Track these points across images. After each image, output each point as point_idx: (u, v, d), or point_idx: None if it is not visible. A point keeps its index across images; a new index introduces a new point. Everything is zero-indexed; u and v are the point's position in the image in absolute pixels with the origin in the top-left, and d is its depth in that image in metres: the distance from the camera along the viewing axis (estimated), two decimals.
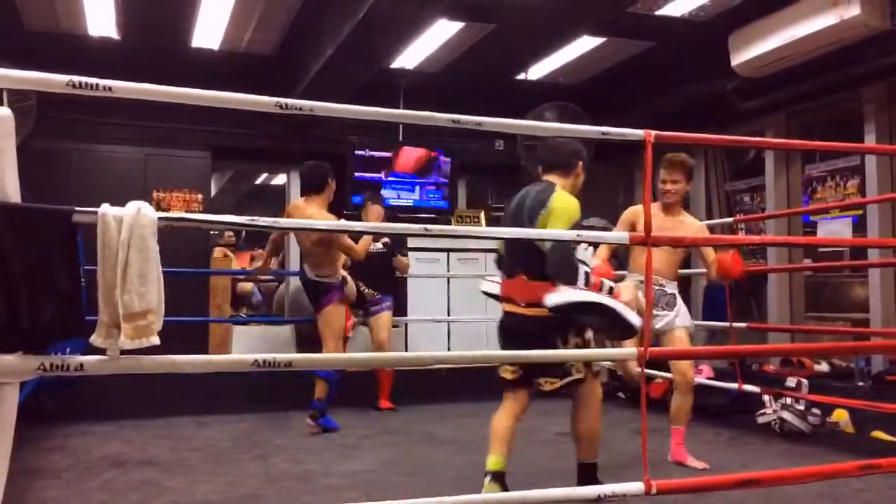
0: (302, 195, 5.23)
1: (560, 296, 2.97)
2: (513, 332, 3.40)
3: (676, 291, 4.29)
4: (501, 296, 3.51)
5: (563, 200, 3.36)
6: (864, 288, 5.90)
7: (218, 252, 7.72)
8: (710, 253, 4.13)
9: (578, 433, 3.42)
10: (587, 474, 3.34)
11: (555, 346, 3.17)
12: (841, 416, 5.03)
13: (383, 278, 6.01)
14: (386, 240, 5.99)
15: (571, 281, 3.04)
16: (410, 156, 7.33)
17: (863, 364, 5.42)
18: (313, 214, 4.88)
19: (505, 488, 3.11)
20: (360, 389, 5.90)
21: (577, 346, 3.22)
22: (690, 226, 4.25)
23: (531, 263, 3.20)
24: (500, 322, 3.53)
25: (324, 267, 5.13)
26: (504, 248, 3.52)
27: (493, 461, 3.23)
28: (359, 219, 6.04)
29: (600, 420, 3.42)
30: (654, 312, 3.99)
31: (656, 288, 4.07)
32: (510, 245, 3.42)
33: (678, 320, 4.20)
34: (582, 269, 3.13)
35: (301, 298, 6.77)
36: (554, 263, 3.12)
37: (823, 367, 5.65)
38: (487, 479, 3.15)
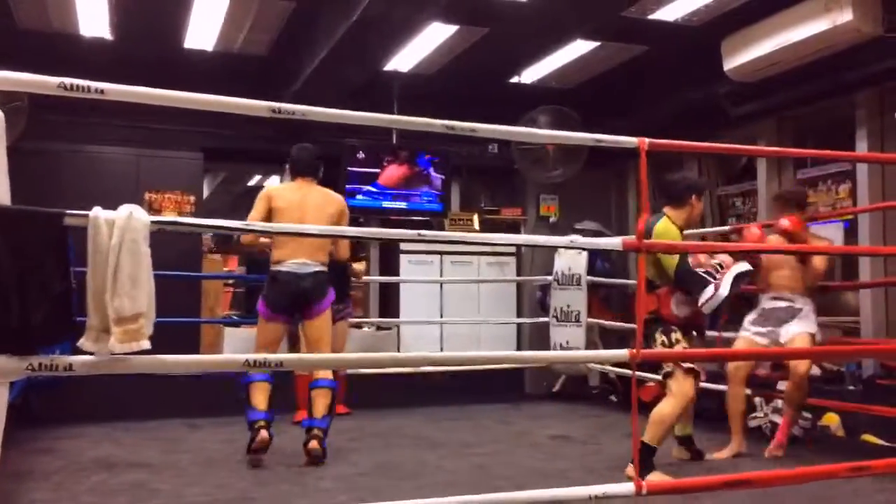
0: (294, 178, 4.59)
1: (707, 300, 3.75)
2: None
3: (807, 305, 4.51)
4: None
5: (663, 228, 3.88)
6: (855, 293, 5.92)
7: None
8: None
9: (651, 415, 3.82)
10: (643, 454, 3.57)
11: (651, 344, 3.83)
12: (832, 420, 5.05)
13: (343, 284, 5.40)
14: None
15: (700, 290, 3.76)
16: (393, 173, 7.27)
17: (854, 368, 5.44)
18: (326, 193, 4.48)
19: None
20: (350, 392, 5.89)
21: (664, 344, 3.82)
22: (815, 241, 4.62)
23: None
24: None
25: (325, 253, 4.38)
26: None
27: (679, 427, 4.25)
28: None
29: (677, 415, 3.86)
30: (785, 325, 4.45)
31: (784, 304, 4.55)
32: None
33: (796, 327, 4.43)
34: (705, 276, 3.78)
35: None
36: (682, 280, 3.81)
37: (815, 370, 5.66)
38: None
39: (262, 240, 4.52)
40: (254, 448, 4.17)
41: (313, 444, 4.19)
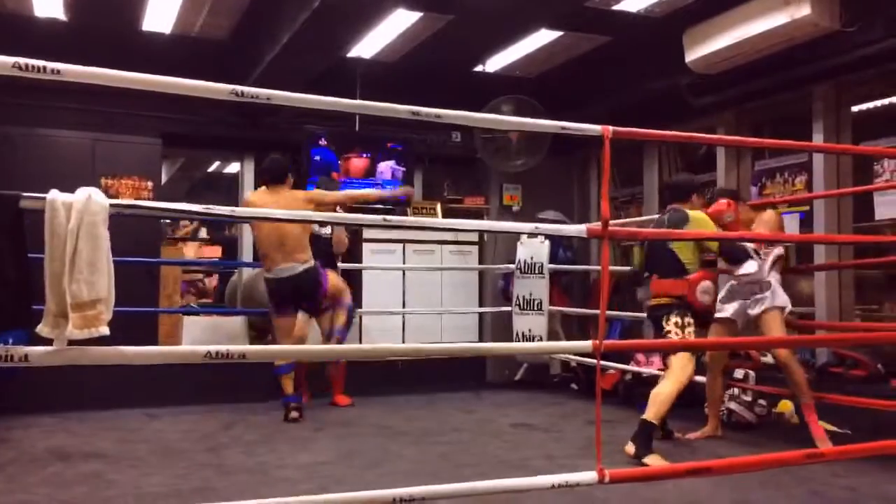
0: (267, 185, 5.33)
1: (749, 272, 4.31)
2: (650, 316, 4.42)
3: (772, 277, 4.62)
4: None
5: (698, 215, 4.27)
6: (809, 282, 6.05)
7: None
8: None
9: (652, 394, 4.10)
10: (644, 432, 3.99)
11: (662, 325, 4.15)
12: (786, 407, 5.16)
13: (331, 265, 5.88)
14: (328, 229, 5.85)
15: (744, 258, 4.26)
16: (356, 161, 7.27)
17: (807, 356, 5.56)
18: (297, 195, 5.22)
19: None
20: (314, 381, 5.86)
21: (676, 325, 4.11)
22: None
23: (660, 267, 4.28)
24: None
25: (304, 251, 5.16)
26: (643, 260, 4.49)
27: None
28: None
29: (676, 393, 4.07)
30: (754, 297, 4.57)
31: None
32: (649, 256, 4.41)
33: (764, 304, 4.54)
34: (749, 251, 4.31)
35: (257, 289, 6.69)
36: (729, 252, 4.30)
37: (770, 358, 5.77)
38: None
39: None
40: (288, 419, 5.13)
41: (294, 413, 5.17)
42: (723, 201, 4.45)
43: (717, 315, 4.57)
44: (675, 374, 4.07)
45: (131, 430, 4.93)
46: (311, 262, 5.17)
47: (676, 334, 4.11)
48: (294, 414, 5.12)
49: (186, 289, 8.28)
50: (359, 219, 2.75)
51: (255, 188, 7.55)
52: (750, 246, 4.31)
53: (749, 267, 4.23)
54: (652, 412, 3.99)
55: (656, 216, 5.20)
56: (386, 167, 7.36)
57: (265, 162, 5.37)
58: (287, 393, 5.18)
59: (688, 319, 4.13)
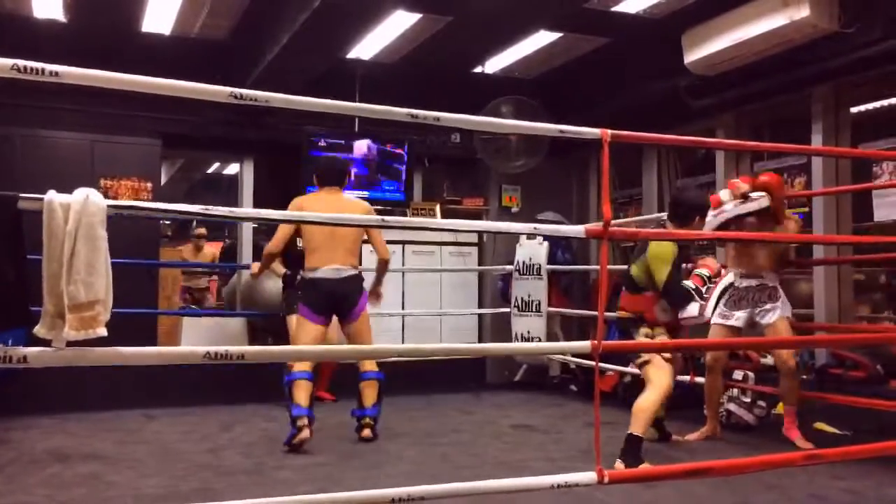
0: (322, 188, 4.78)
1: (690, 317, 4.08)
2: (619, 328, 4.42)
3: (776, 282, 4.59)
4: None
5: (658, 247, 4.06)
6: (809, 284, 6.05)
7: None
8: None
9: (634, 407, 3.97)
10: (632, 445, 3.85)
11: (632, 336, 4.14)
12: None
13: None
14: None
15: (685, 302, 4.04)
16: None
17: (807, 357, 5.56)
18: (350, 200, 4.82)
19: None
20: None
21: (647, 336, 4.11)
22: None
23: (628, 284, 4.25)
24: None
25: (355, 256, 4.65)
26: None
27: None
28: None
29: (659, 402, 4.04)
30: (763, 307, 4.53)
31: (756, 283, 4.59)
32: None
33: (775, 313, 4.50)
34: (692, 293, 4.07)
35: (256, 290, 6.68)
36: (669, 293, 4.06)
37: (769, 359, 5.77)
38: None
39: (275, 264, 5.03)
40: (294, 443, 4.33)
41: (366, 432, 4.61)
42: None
43: (724, 322, 4.59)
44: (654, 384, 4.00)
45: (130, 431, 4.92)
46: (359, 272, 4.67)
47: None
48: (305, 434, 4.33)
49: (182, 295, 8.30)
50: (357, 219, 2.75)
51: (256, 188, 7.58)
52: (690, 284, 4.07)
53: (692, 310, 4.04)
54: (637, 426, 3.89)
55: (655, 216, 5.23)
56: (362, 144, 7.29)
57: (321, 161, 4.95)
58: (299, 403, 4.40)
59: (658, 330, 4.12)
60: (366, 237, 4.76)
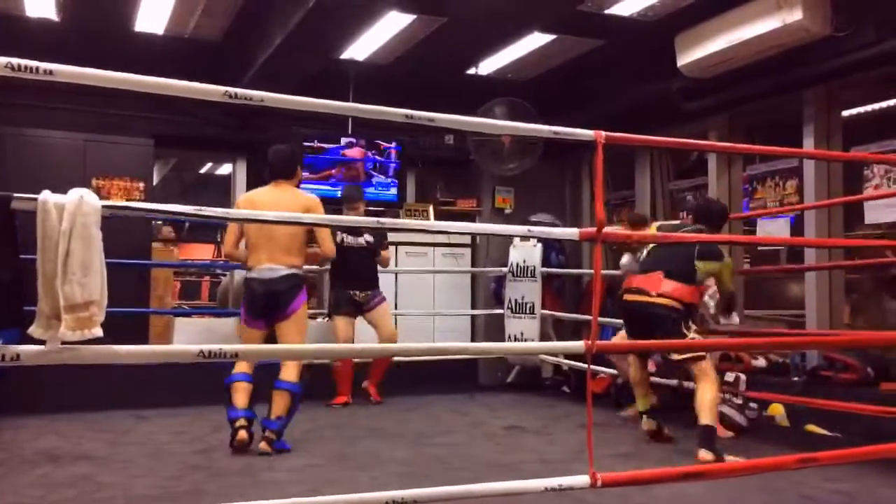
0: (271, 181, 4.52)
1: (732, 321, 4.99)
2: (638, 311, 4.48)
3: None
4: (631, 285, 4.53)
5: (729, 259, 4.57)
6: (800, 286, 6.08)
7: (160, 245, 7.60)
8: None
9: (698, 403, 4.17)
10: (709, 434, 4.09)
11: (679, 328, 4.22)
12: (777, 411, 5.17)
13: (369, 274, 5.99)
14: (369, 237, 5.92)
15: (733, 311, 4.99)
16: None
17: (798, 359, 5.58)
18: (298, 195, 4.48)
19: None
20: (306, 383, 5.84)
21: (697, 335, 4.38)
22: None
23: (681, 274, 4.36)
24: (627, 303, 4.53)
25: (297, 256, 4.39)
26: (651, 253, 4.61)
27: (641, 403, 4.67)
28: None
29: (717, 393, 4.32)
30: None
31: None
32: (661, 253, 4.52)
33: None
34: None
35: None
36: (729, 300, 4.88)
37: (761, 362, 5.80)
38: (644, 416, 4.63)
39: (240, 251, 4.51)
40: (234, 446, 4.23)
41: (262, 444, 4.21)
42: None
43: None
44: (710, 377, 4.24)
45: (121, 431, 4.90)
46: (300, 270, 4.42)
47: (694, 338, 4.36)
48: (242, 435, 4.19)
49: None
50: (350, 221, 2.74)
51: (248, 188, 7.56)
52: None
53: (735, 318, 4.98)
54: (706, 417, 4.10)
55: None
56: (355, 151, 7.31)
57: (269, 153, 4.58)
58: (235, 405, 4.27)
59: (695, 327, 4.43)
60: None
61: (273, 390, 4.27)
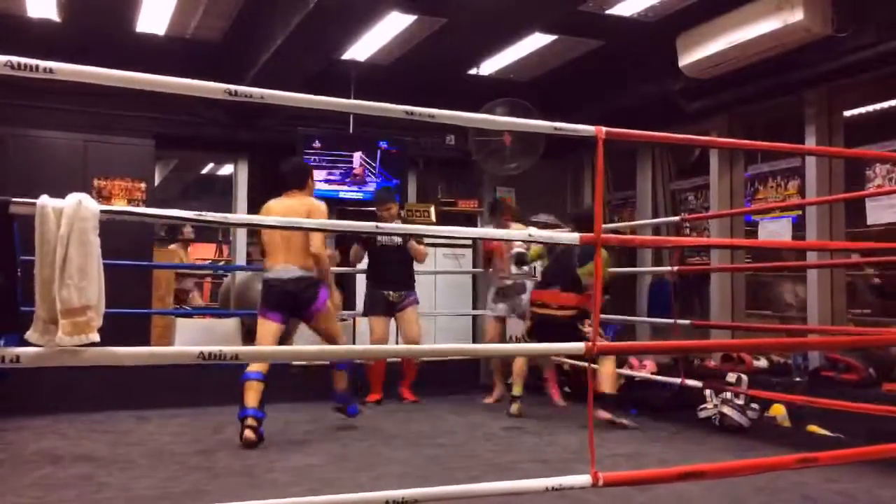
0: (284, 192, 4.88)
1: None
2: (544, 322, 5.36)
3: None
4: (537, 299, 5.47)
5: (605, 253, 4.95)
6: (802, 287, 6.07)
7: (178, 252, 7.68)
8: None
9: (600, 375, 5.09)
10: (612, 403, 5.11)
11: (579, 329, 5.07)
12: (778, 411, 5.17)
13: (404, 274, 6.03)
14: (398, 238, 5.96)
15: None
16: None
17: (800, 360, 5.58)
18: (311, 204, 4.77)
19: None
20: (305, 383, 5.84)
21: (589, 325, 4.72)
22: None
23: (573, 286, 5.27)
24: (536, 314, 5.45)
25: (304, 256, 4.71)
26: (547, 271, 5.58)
27: (517, 390, 5.67)
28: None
29: (615, 367, 5.25)
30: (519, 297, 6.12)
31: (510, 282, 6.16)
32: (555, 270, 5.47)
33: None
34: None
35: (250, 291, 6.68)
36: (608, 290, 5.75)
37: (762, 362, 5.80)
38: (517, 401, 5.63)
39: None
40: (242, 444, 4.42)
41: (248, 433, 4.41)
42: None
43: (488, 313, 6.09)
44: (610, 358, 5.13)
45: (122, 432, 4.90)
46: (313, 272, 4.72)
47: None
48: (249, 434, 4.41)
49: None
50: (350, 226, 2.74)
51: (250, 189, 7.57)
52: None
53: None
54: (608, 387, 5.13)
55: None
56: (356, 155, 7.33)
57: (283, 165, 5.00)
58: (245, 404, 4.50)
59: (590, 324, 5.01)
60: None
61: (243, 382, 4.55)
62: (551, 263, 5.48)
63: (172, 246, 8.21)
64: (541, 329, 5.35)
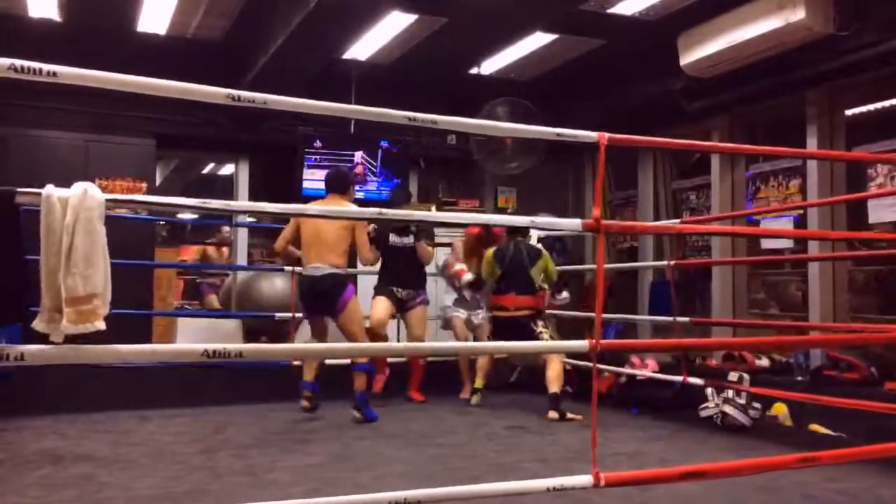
0: (326, 195, 5.19)
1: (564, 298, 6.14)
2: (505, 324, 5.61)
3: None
4: (497, 303, 5.69)
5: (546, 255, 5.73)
6: (804, 285, 6.07)
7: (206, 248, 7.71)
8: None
9: (549, 375, 5.42)
10: (555, 399, 5.35)
11: (535, 327, 5.49)
12: (780, 410, 5.16)
13: (414, 274, 6.02)
14: (409, 238, 5.94)
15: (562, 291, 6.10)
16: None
17: (801, 359, 5.57)
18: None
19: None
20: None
21: (545, 327, 5.58)
22: None
23: (528, 289, 5.59)
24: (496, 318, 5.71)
25: (341, 257, 5.05)
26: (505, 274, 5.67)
27: (480, 382, 5.99)
28: None
29: (561, 365, 5.55)
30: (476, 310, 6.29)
31: (469, 294, 6.26)
32: (511, 276, 5.63)
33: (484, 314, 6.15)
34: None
35: (252, 292, 6.69)
36: (559, 286, 6.02)
37: (764, 361, 5.79)
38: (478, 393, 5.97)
39: (290, 249, 5.20)
40: (303, 408, 5.15)
41: (356, 413, 5.07)
42: None
43: (454, 314, 6.22)
44: (556, 356, 5.43)
45: (123, 432, 4.90)
46: (345, 270, 5.08)
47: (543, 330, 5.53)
48: (304, 403, 5.12)
49: (207, 290, 8.36)
50: (353, 212, 2.74)
51: (251, 189, 7.58)
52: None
53: (566, 295, 6.05)
54: (556, 386, 5.38)
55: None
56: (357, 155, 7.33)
57: (327, 173, 5.31)
58: (304, 378, 5.16)
59: (545, 323, 5.64)
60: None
61: (352, 372, 5.03)
62: (506, 270, 5.65)
63: (203, 247, 8.30)
64: (501, 331, 5.60)
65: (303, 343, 5.21)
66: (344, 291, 5.00)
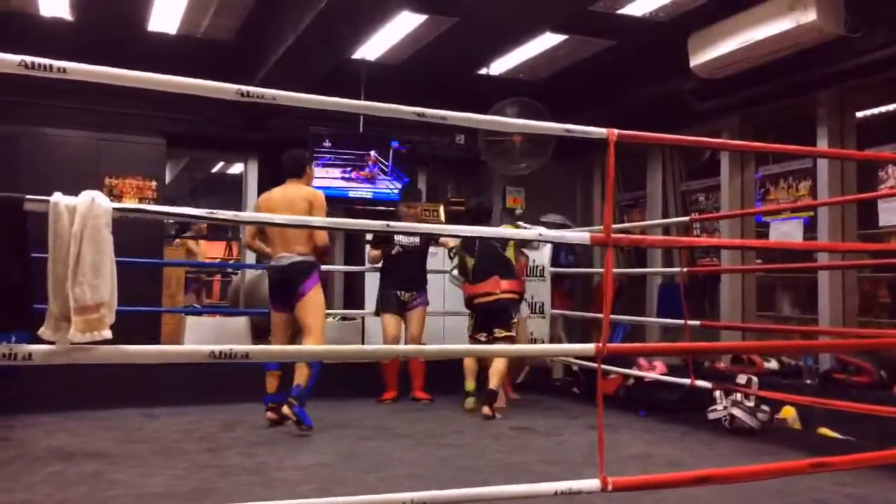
0: (284, 180, 5.02)
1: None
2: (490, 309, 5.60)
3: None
4: (479, 291, 5.62)
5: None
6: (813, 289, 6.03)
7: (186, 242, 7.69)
8: None
9: (492, 371, 5.46)
10: (491, 397, 5.41)
11: (511, 315, 5.57)
12: (789, 413, 5.14)
13: (418, 275, 6.06)
14: (416, 238, 5.98)
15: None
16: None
17: (811, 362, 5.55)
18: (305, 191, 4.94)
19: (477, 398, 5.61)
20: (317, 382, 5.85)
21: (514, 323, 5.61)
22: None
23: (502, 269, 5.61)
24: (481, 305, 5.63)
25: (306, 245, 4.82)
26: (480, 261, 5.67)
27: (469, 385, 5.74)
28: None
29: (507, 366, 5.66)
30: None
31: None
32: (487, 261, 5.64)
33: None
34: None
35: (260, 289, 6.70)
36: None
37: (773, 364, 5.77)
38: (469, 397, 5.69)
39: (258, 244, 5.06)
40: (268, 424, 4.92)
41: (285, 408, 4.74)
42: None
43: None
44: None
45: (132, 429, 4.92)
46: (309, 257, 4.82)
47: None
48: (269, 415, 4.87)
49: (194, 289, 8.34)
50: (361, 224, 2.74)
51: (260, 188, 7.58)
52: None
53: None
54: (496, 383, 5.42)
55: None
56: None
57: (283, 157, 5.13)
58: (268, 391, 4.93)
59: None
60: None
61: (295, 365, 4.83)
62: (481, 256, 5.63)
63: (179, 240, 8.25)
64: (487, 317, 5.57)
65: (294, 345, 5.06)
66: (308, 278, 4.78)
